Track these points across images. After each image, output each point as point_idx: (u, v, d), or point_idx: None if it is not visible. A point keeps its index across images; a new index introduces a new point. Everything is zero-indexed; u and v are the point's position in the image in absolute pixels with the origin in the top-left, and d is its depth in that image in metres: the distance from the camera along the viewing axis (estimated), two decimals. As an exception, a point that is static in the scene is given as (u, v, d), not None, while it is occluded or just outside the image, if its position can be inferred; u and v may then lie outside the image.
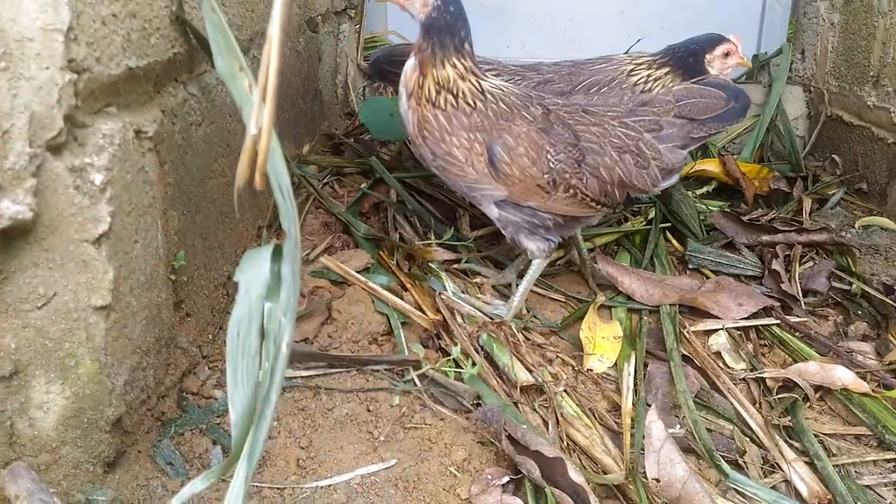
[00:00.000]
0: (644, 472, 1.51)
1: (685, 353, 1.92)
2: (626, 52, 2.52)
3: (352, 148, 2.99)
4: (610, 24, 3.84)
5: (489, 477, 1.46)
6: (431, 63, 1.81)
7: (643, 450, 1.56)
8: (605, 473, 1.55)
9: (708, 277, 2.34)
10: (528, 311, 2.10)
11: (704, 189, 2.98)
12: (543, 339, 1.99)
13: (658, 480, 1.48)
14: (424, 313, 1.97)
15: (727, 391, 1.82)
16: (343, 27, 3.55)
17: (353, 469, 1.47)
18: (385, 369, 1.78)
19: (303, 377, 1.73)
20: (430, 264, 2.17)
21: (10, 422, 1.22)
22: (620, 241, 2.54)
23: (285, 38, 2.48)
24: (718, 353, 1.99)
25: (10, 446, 1.23)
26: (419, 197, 2.57)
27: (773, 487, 1.56)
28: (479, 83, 1.84)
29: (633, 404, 1.73)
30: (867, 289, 2.25)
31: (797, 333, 2.07)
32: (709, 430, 1.67)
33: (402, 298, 2.02)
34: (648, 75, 2.27)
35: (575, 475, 1.40)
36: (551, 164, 1.84)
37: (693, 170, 3.00)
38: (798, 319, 2.13)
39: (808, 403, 1.82)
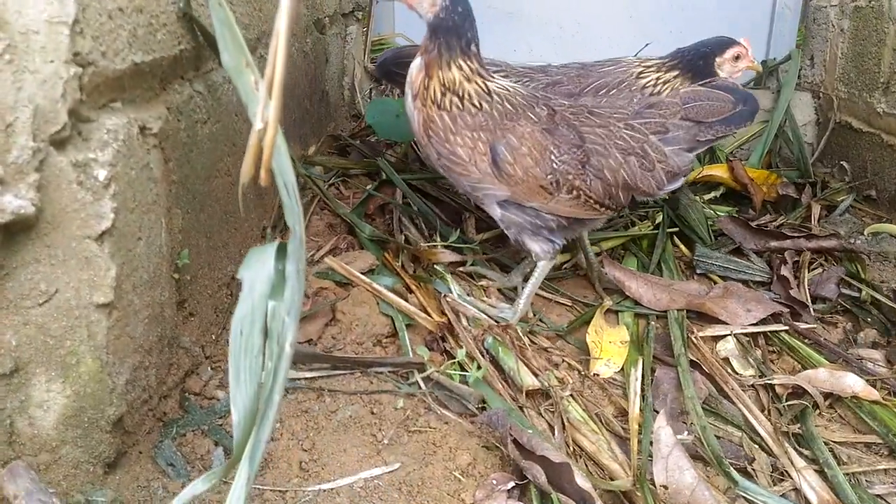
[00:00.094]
0: (652, 479, 1.49)
1: (693, 358, 1.90)
2: (634, 56, 2.50)
3: (358, 149, 2.98)
4: (618, 28, 3.83)
5: (494, 482, 1.44)
6: (437, 65, 1.79)
7: (651, 456, 1.54)
8: (612, 480, 1.53)
9: (716, 283, 2.32)
10: (535, 315, 2.08)
11: (712, 194, 2.96)
12: (549, 343, 1.97)
13: (666, 487, 1.46)
14: (429, 315, 1.95)
15: (736, 397, 1.80)
16: (350, 29, 3.55)
17: (356, 472, 1.45)
18: (389, 372, 1.76)
19: (306, 379, 1.71)
20: (435, 266, 2.15)
21: (10, 420, 1.21)
22: (627, 245, 2.52)
23: (292, 34, 2.47)
24: (727, 359, 1.97)
25: (10, 445, 1.22)
26: (425, 199, 2.55)
27: (783, 496, 1.54)
28: (486, 84, 1.82)
29: (641, 410, 1.71)
30: (877, 296, 2.23)
31: (806, 340, 2.05)
32: (717, 437, 1.65)
33: (406, 300, 2.00)
34: (657, 78, 2.25)
35: (581, 481, 1.38)
36: (555, 165, 1.83)
37: (701, 175, 2.98)
38: (807, 326, 2.11)
39: (817, 411, 1.80)
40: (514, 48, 3.85)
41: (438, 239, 2.32)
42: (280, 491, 1.39)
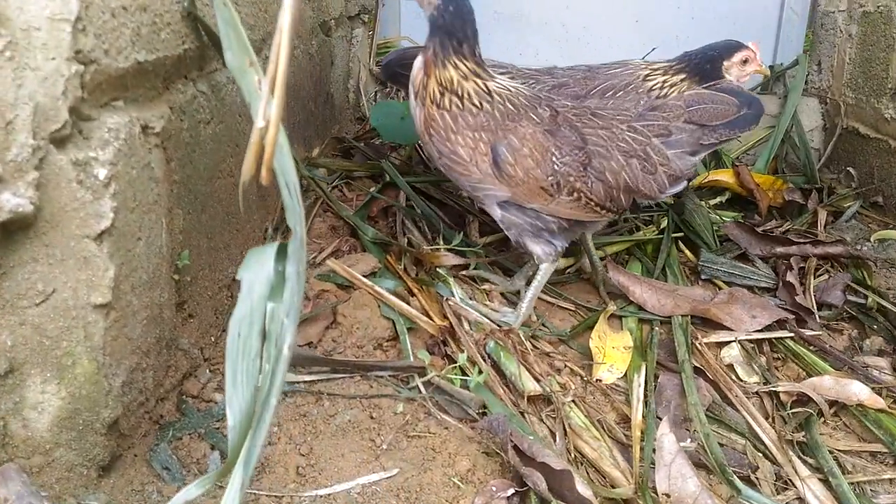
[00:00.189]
0: (654, 487, 1.47)
1: (697, 365, 1.88)
2: (642, 59, 2.49)
3: (362, 152, 2.97)
4: (624, 32, 3.81)
5: (493, 489, 1.42)
6: (433, 63, 1.79)
7: (653, 463, 1.52)
8: (614, 487, 1.51)
9: (721, 288, 2.30)
10: (537, 319, 2.07)
11: (718, 199, 2.95)
12: (552, 348, 1.95)
13: (668, 496, 1.44)
14: (431, 319, 1.93)
15: (740, 405, 1.78)
16: (356, 32, 3.54)
17: (353, 478, 1.43)
18: (389, 375, 1.75)
19: (305, 382, 1.69)
20: (437, 270, 2.14)
21: (3, 422, 1.19)
22: (632, 250, 2.51)
23: (297, 36, 2.47)
24: (731, 366, 1.95)
25: (3, 447, 1.20)
26: (428, 202, 2.54)
27: (787, 505, 1.52)
28: (485, 84, 1.81)
29: (644, 416, 1.69)
30: (883, 303, 2.21)
31: (811, 347, 2.03)
32: (721, 445, 1.63)
33: (408, 304, 1.99)
34: (664, 81, 2.23)
35: (582, 489, 1.36)
36: (556, 167, 1.82)
37: (707, 180, 2.96)
38: (812, 333, 2.09)
39: (822, 419, 1.78)
40: (521, 52, 3.84)
41: (441, 242, 2.31)
42: (276, 496, 1.37)
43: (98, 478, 1.28)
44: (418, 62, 1.84)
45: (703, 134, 1.95)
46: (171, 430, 1.46)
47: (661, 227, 2.60)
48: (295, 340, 0.99)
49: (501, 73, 2.01)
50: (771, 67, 3.66)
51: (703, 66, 2.25)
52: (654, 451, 1.55)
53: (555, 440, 1.61)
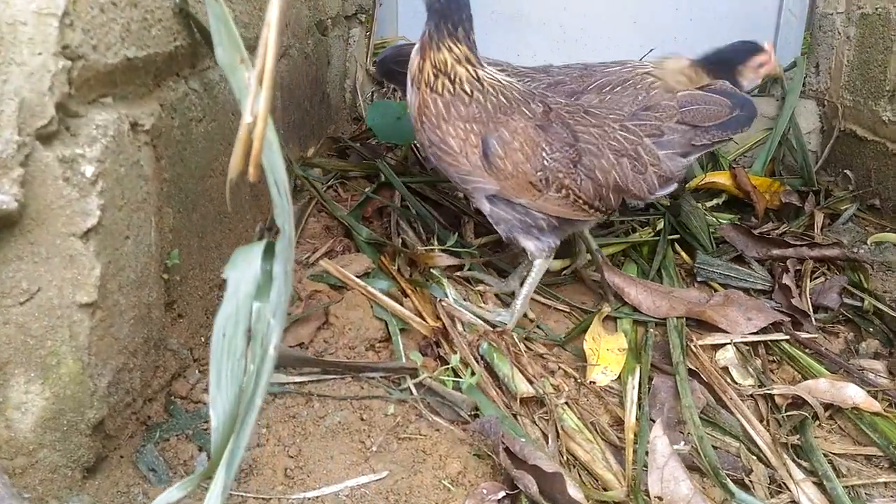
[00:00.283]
0: (646, 490, 1.46)
1: (691, 367, 1.87)
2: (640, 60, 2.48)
3: (357, 152, 2.95)
4: (622, 34, 3.80)
5: (484, 491, 1.41)
6: (429, 46, 1.80)
7: (646, 466, 1.51)
8: (606, 490, 1.50)
9: (716, 291, 2.29)
10: (532, 322, 2.05)
11: (714, 201, 2.94)
12: (545, 350, 1.94)
13: (661, 499, 1.43)
14: (424, 320, 1.92)
15: (734, 407, 1.77)
16: (353, 31, 3.53)
17: (342, 480, 1.42)
18: (381, 377, 1.73)
19: (295, 383, 1.68)
20: (431, 270, 2.12)
21: (-13, 422, 1.18)
22: (628, 251, 2.50)
23: (293, 35, 2.45)
24: (726, 369, 1.93)
25: (-14, 448, 1.19)
26: (424, 202, 2.53)
27: (781, 509, 1.51)
28: (475, 72, 1.81)
29: (637, 419, 1.68)
30: (879, 306, 2.20)
31: (807, 350, 2.02)
32: (714, 448, 1.62)
33: (401, 304, 1.97)
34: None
35: (574, 491, 1.35)
36: (545, 162, 1.81)
37: (703, 182, 2.95)
38: (808, 335, 2.08)
39: (817, 422, 1.77)
40: (518, 53, 3.83)
41: (436, 243, 2.29)
42: (263, 498, 1.35)
43: (82, 479, 1.26)
44: (416, 47, 1.85)
45: (695, 135, 1.94)
46: (159, 432, 1.44)
47: (658, 228, 2.59)
48: (281, 341, 0.98)
49: (500, 72, 2.00)
50: (769, 69, 3.65)
51: (720, 66, 2.25)
52: (647, 453, 1.54)
53: (547, 442, 1.60)
